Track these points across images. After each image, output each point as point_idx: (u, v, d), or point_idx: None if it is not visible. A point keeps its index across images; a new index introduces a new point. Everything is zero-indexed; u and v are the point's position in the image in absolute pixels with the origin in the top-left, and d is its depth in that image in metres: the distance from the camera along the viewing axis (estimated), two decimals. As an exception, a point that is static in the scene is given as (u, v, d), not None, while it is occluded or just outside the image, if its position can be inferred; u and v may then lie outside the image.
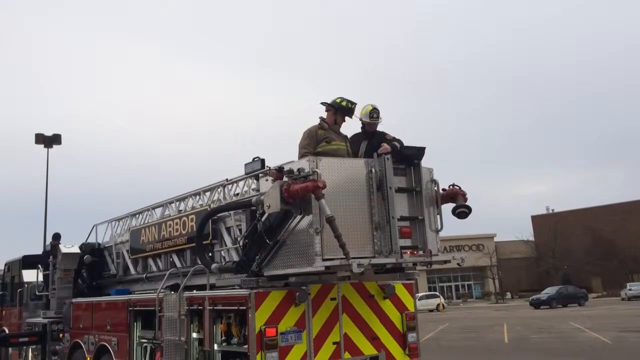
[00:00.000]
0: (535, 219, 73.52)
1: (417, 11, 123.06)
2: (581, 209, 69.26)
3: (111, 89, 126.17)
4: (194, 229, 7.64)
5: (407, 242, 6.16)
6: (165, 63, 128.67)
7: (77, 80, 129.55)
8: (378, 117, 6.95)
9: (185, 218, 8.16)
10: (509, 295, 65.30)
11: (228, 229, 7.53)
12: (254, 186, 7.18)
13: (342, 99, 6.78)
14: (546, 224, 69.88)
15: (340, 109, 6.76)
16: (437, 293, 56.55)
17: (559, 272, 63.23)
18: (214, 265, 7.00)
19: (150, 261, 9.24)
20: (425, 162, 6.54)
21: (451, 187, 6.83)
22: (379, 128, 7.05)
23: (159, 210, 9.38)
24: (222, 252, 7.52)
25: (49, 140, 31.14)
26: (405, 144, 6.60)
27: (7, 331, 13.79)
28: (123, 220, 10.49)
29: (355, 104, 6.86)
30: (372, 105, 6.97)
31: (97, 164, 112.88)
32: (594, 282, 62.85)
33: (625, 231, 61.84)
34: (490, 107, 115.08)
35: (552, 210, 74.74)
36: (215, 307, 6.62)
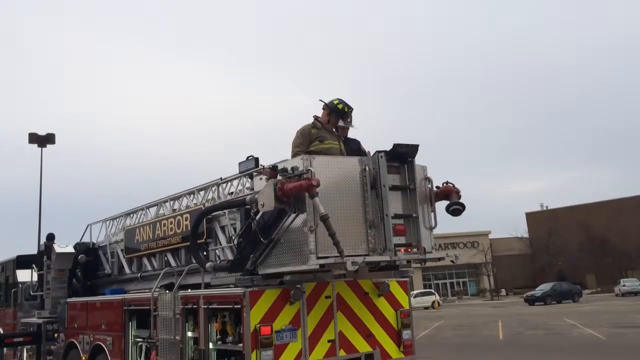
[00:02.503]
0: (530, 216, 73.84)
1: (415, 10, 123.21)
2: (575, 205, 69.57)
3: (110, 89, 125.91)
4: (189, 228, 7.63)
5: (401, 240, 6.16)
6: (164, 63, 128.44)
7: (77, 81, 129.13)
8: (351, 121, 7.00)
9: (179, 217, 8.16)
10: (503, 292, 65.56)
11: (222, 228, 7.54)
12: (248, 185, 7.19)
13: (340, 102, 6.83)
14: (540, 220, 70.27)
15: (334, 111, 6.80)
16: (432, 290, 56.65)
17: (553, 268, 63.52)
18: (208, 264, 7.00)
19: (145, 260, 9.23)
20: (419, 160, 6.57)
21: (445, 184, 6.85)
22: (350, 133, 7.13)
23: (153, 210, 9.36)
24: (217, 250, 7.52)
25: (42, 140, 31.03)
26: (400, 142, 6.62)
27: (1, 331, 13.74)
28: (117, 219, 10.46)
29: (352, 109, 6.90)
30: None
31: (92, 164, 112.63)
32: (588, 279, 63.15)
33: (618, 228, 62.18)
34: (485, 106, 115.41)
35: (547, 207, 75.18)
36: (210, 306, 6.62)
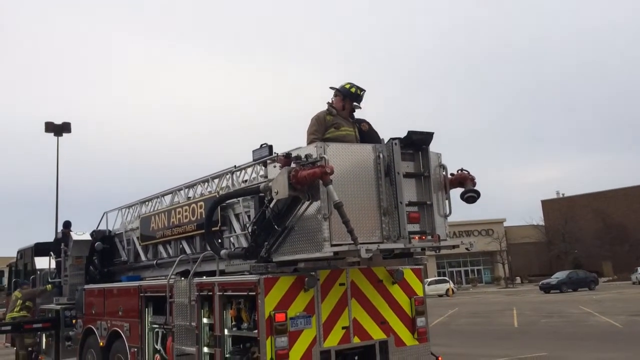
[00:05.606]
0: (546, 203, 73.16)
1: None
2: (592, 193, 68.81)
3: (111, 84, 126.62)
4: (203, 216, 7.67)
5: (415, 227, 6.12)
6: (178, 53, 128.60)
7: (88, 71, 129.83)
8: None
9: (194, 205, 8.21)
10: (518, 280, 65.17)
11: (237, 216, 7.57)
12: (262, 173, 7.19)
13: (352, 85, 6.77)
14: (556, 208, 69.61)
15: (348, 95, 6.74)
16: (447, 278, 56.50)
17: (569, 256, 62.98)
18: (223, 252, 7.04)
19: (161, 248, 9.31)
20: (434, 147, 6.51)
21: (460, 171, 6.78)
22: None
23: (168, 198, 9.43)
24: (231, 238, 7.56)
25: (58, 129, 31.32)
26: (416, 129, 6.56)
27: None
28: (133, 207, 10.56)
29: (364, 90, 6.82)
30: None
31: (107, 152, 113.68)
32: (604, 266, 62.52)
33: (636, 215, 61.50)
34: (501, 93, 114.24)
35: (563, 194, 74.34)
36: (225, 293, 6.66)
